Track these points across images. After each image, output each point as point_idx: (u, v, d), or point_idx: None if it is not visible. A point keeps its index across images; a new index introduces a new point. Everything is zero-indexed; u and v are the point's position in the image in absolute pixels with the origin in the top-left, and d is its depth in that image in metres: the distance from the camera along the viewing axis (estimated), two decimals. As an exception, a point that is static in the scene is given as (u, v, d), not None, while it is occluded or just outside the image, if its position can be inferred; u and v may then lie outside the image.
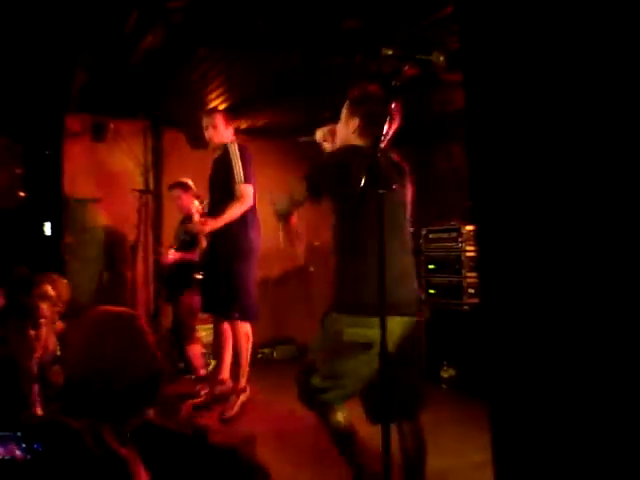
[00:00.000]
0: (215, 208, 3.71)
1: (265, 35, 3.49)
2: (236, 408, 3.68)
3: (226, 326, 3.77)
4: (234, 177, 3.59)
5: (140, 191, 5.42)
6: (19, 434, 1.16)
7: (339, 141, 2.37)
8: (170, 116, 5.42)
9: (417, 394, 2.28)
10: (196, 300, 4.87)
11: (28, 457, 1.14)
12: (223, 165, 3.70)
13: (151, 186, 5.73)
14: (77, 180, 5.30)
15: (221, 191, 3.69)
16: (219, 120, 3.82)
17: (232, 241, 3.58)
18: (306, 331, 5.14)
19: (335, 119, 2.40)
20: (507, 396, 0.78)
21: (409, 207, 2.32)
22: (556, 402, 0.72)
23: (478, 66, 0.84)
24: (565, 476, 0.71)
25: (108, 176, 5.48)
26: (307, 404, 2.27)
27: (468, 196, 1.83)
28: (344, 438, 2.25)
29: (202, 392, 4.36)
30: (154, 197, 5.69)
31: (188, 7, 3.20)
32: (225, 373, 3.93)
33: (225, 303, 3.61)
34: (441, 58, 1.94)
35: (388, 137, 2.20)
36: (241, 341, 3.65)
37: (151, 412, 1.49)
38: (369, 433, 2.18)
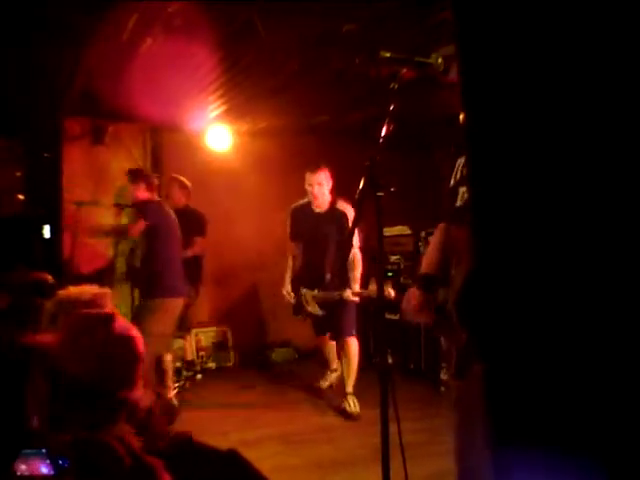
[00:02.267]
0: (321, 262, 4.26)
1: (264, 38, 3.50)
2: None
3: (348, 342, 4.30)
4: (352, 243, 3.94)
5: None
6: (44, 451, 1.16)
7: (133, 198, 4.17)
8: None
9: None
10: (192, 294, 4.89)
11: (52, 473, 1.13)
12: (332, 225, 4.24)
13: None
14: (76, 183, 5.30)
15: (328, 247, 4.25)
16: (325, 178, 4.20)
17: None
18: (304, 334, 5.14)
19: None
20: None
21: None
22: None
23: (476, 69, 0.84)
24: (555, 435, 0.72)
25: (107, 179, 5.49)
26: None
27: (468, 197, 1.82)
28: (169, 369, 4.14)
29: (175, 385, 4.64)
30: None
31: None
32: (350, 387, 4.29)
33: (346, 326, 4.25)
34: (439, 61, 1.94)
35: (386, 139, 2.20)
36: (356, 352, 4.27)
37: (149, 413, 1.49)
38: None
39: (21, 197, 5.02)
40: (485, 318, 0.79)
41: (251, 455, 1.45)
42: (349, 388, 4.19)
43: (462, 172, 1.92)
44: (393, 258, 5.41)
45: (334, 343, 4.51)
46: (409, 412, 3.21)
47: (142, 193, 4.12)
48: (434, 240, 2.17)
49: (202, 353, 5.64)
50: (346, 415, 4.04)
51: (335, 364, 4.64)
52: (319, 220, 4.29)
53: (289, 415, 3.63)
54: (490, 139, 0.80)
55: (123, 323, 1.46)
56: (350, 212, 4.12)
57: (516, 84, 0.77)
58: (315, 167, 4.22)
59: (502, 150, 0.78)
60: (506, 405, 0.75)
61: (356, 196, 1.98)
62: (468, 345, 1.68)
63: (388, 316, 5.05)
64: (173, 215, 4.23)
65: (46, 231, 5.08)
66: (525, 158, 0.75)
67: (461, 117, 0.85)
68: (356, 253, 4.12)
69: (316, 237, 4.30)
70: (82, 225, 4.63)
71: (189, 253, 4.75)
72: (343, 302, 4.17)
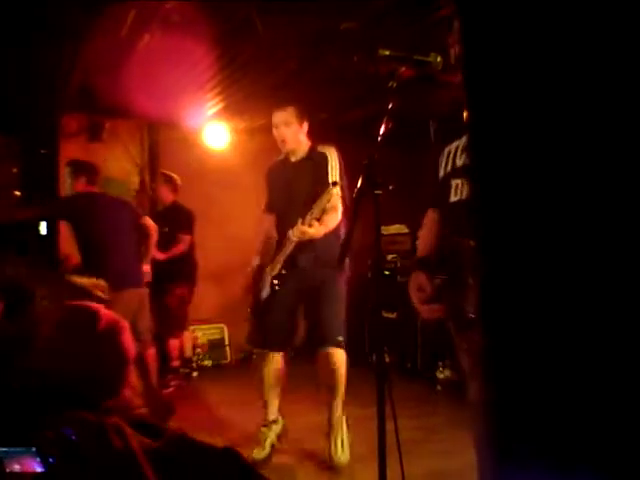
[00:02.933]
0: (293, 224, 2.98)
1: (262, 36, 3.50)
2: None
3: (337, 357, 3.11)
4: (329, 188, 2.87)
5: (137, 191, 5.43)
6: (33, 449, 1.14)
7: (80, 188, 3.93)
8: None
9: None
10: (186, 292, 4.86)
11: (43, 470, 1.12)
12: (308, 174, 3.09)
13: (147, 186, 5.72)
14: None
15: (307, 200, 2.95)
16: (294, 115, 3.11)
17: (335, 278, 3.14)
18: (300, 332, 5.13)
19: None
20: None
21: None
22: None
23: (480, 67, 0.83)
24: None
25: (104, 176, 5.47)
26: None
27: (469, 197, 1.81)
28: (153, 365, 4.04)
29: (171, 383, 4.69)
30: (150, 197, 5.69)
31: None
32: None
33: (330, 329, 3.12)
34: (439, 59, 1.94)
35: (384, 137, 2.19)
36: (343, 371, 3.14)
37: (144, 411, 1.47)
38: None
39: (17, 193, 5.01)
40: (498, 319, 0.79)
41: (248, 453, 1.45)
42: (335, 418, 3.13)
43: (454, 163, 1.90)
44: (390, 257, 5.42)
45: (280, 367, 3.20)
46: (406, 410, 3.22)
47: (83, 187, 3.89)
48: (426, 226, 2.12)
49: (199, 350, 5.64)
50: (330, 461, 3.05)
51: (275, 413, 3.25)
52: (294, 172, 3.17)
53: (286, 413, 3.62)
54: (495, 135, 0.79)
55: (110, 319, 1.37)
56: (333, 154, 3.09)
57: (521, 80, 0.77)
58: (282, 103, 3.17)
59: (508, 147, 0.77)
60: (518, 407, 0.75)
61: (354, 194, 1.98)
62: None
63: (385, 314, 5.05)
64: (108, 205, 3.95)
65: (42, 228, 5.07)
66: (532, 155, 0.75)
67: (465, 115, 0.84)
68: (335, 205, 2.97)
69: (291, 196, 3.13)
70: None
71: (175, 251, 4.72)
72: (325, 290, 3.09)
